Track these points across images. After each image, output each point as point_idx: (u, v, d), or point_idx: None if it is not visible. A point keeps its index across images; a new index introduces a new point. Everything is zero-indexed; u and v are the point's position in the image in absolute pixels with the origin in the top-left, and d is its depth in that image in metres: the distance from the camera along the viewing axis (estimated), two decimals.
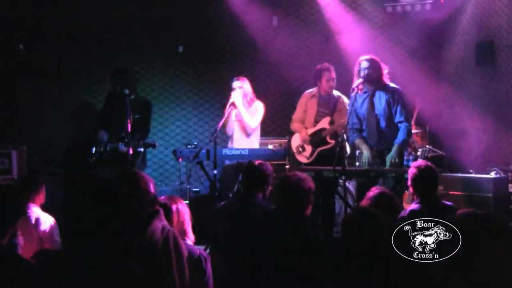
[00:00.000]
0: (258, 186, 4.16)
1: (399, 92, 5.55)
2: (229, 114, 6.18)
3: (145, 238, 2.67)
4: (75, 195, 2.51)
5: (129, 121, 5.78)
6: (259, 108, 6.36)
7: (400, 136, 5.43)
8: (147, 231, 2.71)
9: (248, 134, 6.30)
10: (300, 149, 6.38)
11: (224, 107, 6.49)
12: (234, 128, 6.30)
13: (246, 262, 3.46)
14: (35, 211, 4.34)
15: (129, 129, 5.80)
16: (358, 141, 5.64)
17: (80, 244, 2.38)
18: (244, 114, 6.24)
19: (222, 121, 6.06)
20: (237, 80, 6.33)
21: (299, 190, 3.51)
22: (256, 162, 4.26)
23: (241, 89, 6.27)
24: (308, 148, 6.33)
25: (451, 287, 1.93)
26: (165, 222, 2.84)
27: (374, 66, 5.48)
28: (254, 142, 6.37)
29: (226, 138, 6.46)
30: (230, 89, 6.33)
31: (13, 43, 6.98)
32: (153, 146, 6.25)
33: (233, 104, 6.16)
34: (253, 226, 3.58)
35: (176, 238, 2.80)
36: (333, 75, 6.26)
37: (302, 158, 6.36)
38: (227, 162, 6.17)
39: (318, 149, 6.26)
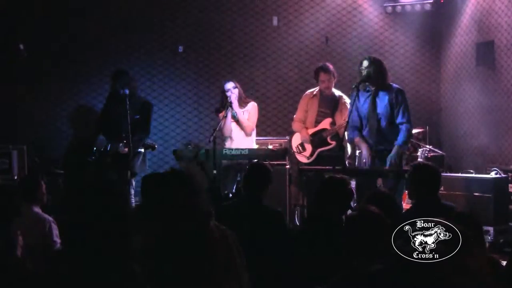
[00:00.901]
0: (263, 187, 4.17)
1: (402, 93, 5.54)
2: (226, 115, 6.18)
3: (206, 237, 2.76)
4: (75, 195, 2.51)
5: (129, 121, 5.79)
6: (253, 108, 6.38)
7: (401, 137, 5.42)
8: (208, 230, 2.79)
9: (247, 134, 6.32)
10: (300, 149, 6.38)
11: (216, 110, 6.50)
12: (232, 129, 6.30)
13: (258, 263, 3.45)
14: (35, 211, 4.35)
15: (130, 130, 5.81)
16: (357, 140, 5.64)
17: (80, 244, 2.38)
18: (241, 116, 6.26)
19: (221, 123, 6.06)
20: (229, 81, 6.34)
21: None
22: (258, 163, 4.26)
23: (235, 89, 6.28)
24: (308, 148, 6.34)
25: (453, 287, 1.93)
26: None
27: (375, 66, 5.47)
28: (252, 141, 6.39)
29: (224, 138, 6.45)
30: (222, 91, 6.33)
31: (13, 43, 6.99)
32: (153, 147, 6.25)
33: (230, 105, 6.17)
34: (264, 227, 3.57)
35: (233, 235, 2.90)
36: (328, 75, 6.21)
37: (302, 158, 6.36)
38: (226, 162, 6.16)
39: (318, 150, 6.26)
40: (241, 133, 6.31)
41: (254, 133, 6.46)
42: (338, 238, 3.17)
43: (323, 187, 3.49)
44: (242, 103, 6.34)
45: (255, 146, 6.44)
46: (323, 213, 3.41)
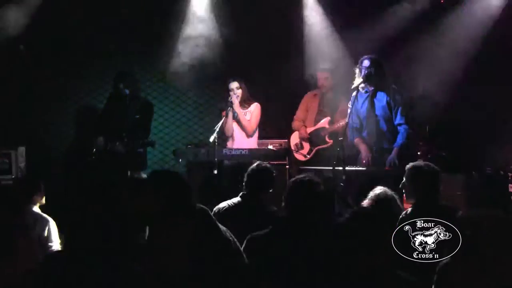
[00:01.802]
0: (265, 188, 4.16)
1: (400, 94, 5.54)
2: (227, 114, 6.18)
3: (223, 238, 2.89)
4: (75, 195, 2.51)
5: (129, 121, 5.79)
6: (256, 109, 6.37)
7: (399, 139, 5.43)
8: (222, 232, 2.90)
9: (247, 135, 6.32)
10: (298, 147, 6.39)
11: (221, 109, 6.49)
12: (233, 129, 6.30)
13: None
14: (34, 212, 4.34)
15: (129, 130, 5.81)
16: (357, 141, 5.64)
17: (79, 244, 2.38)
18: (242, 117, 6.25)
19: (220, 123, 6.05)
20: (234, 80, 6.33)
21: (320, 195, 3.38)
22: (262, 165, 4.26)
23: (239, 90, 6.27)
24: (306, 146, 6.35)
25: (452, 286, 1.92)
26: None
27: (376, 66, 5.47)
28: (254, 142, 6.39)
29: (225, 138, 6.45)
30: (227, 89, 6.32)
31: (13, 44, 6.98)
32: (152, 145, 6.24)
33: (231, 105, 6.17)
34: (262, 228, 3.56)
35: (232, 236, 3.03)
36: (325, 74, 6.24)
37: (300, 156, 6.38)
38: (226, 162, 6.16)
39: (316, 148, 6.28)
40: (242, 133, 6.32)
41: (256, 134, 6.45)
42: (313, 241, 3.14)
43: (289, 190, 3.43)
44: (245, 104, 6.33)
45: (256, 147, 6.44)
46: (290, 216, 3.36)
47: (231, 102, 6.19)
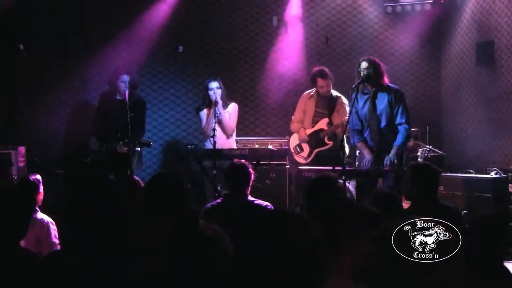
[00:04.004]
0: (247, 185, 4.17)
1: (401, 93, 5.55)
2: (215, 114, 6.20)
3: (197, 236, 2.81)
4: (75, 195, 2.51)
5: (128, 121, 5.78)
6: (234, 109, 6.41)
7: (400, 138, 5.43)
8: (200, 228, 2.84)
9: (228, 135, 6.34)
10: (298, 149, 6.39)
11: (197, 108, 6.51)
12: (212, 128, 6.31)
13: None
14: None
15: (125, 129, 5.80)
16: (360, 145, 5.64)
17: (79, 244, 2.38)
18: (224, 117, 6.27)
19: (210, 120, 6.08)
20: (214, 80, 6.34)
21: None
22: (239, 162, 4.29)
23: (219, 89, 6.29)
24: (306, 149, 6.35)
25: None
26: None
27: (374, 67, 5.47)
28: (233, 141, 6.45)
29: (205, 137, 6.48)
30: (205, 89, 6.33)
31: (13, 43, 6.98)
32: (148, 145, 6.23)
33: (215, 104, 6.18)
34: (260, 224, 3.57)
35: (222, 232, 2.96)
36: (327, 81, 6.23)
37: (299, 159, 6.37)
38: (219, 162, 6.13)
39: (316, 150, 6.27)
40: (223, 133, 6.33)
41: (234, 133, 6.49)
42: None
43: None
44: (223, 104, 6.35)
45: (235, 146, 6.45)
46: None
47: (216, 102, 6.20)
